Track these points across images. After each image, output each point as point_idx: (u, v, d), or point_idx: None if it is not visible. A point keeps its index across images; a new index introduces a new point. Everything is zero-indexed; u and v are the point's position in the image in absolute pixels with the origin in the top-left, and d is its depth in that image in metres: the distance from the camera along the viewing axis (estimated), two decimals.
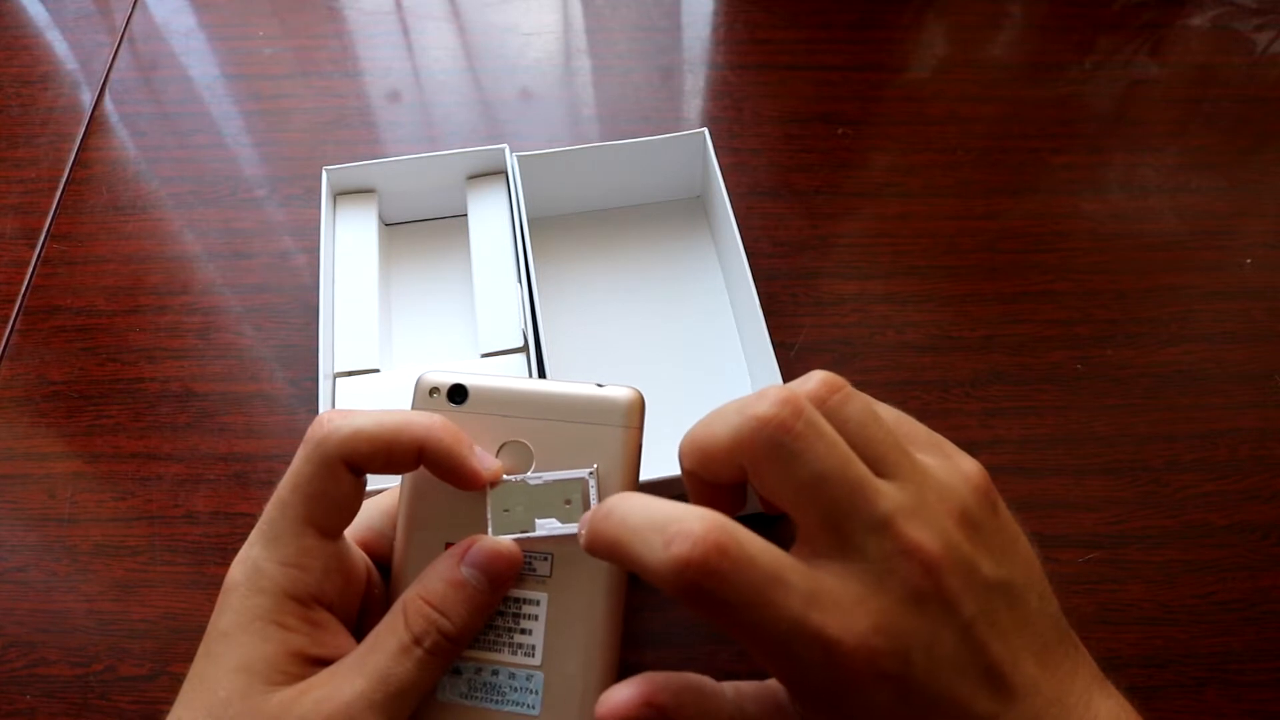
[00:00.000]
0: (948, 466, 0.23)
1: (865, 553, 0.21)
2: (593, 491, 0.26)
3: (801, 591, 0.20)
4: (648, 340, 0.48)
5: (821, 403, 0.22)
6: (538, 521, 0.26)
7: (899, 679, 0.20)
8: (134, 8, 0.66)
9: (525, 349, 0.44)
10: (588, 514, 0.23)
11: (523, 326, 0.44)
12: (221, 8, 0.66)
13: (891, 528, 0.21)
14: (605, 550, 0.22)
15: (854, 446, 0.22)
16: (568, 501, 0.26)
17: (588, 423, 0.26)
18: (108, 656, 0.39)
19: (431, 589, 0.25)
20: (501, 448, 0.27)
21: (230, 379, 0.48)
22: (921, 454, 0.23)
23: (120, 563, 0.42)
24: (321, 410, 0.41)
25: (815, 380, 0.23)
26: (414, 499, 0.27)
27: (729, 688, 0.24)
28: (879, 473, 0.22)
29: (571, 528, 0.26)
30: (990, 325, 0.49)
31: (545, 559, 0.26)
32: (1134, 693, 0.23)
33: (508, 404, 0.27)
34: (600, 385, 0.26)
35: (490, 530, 0.26)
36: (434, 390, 0.27)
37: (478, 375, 0.28)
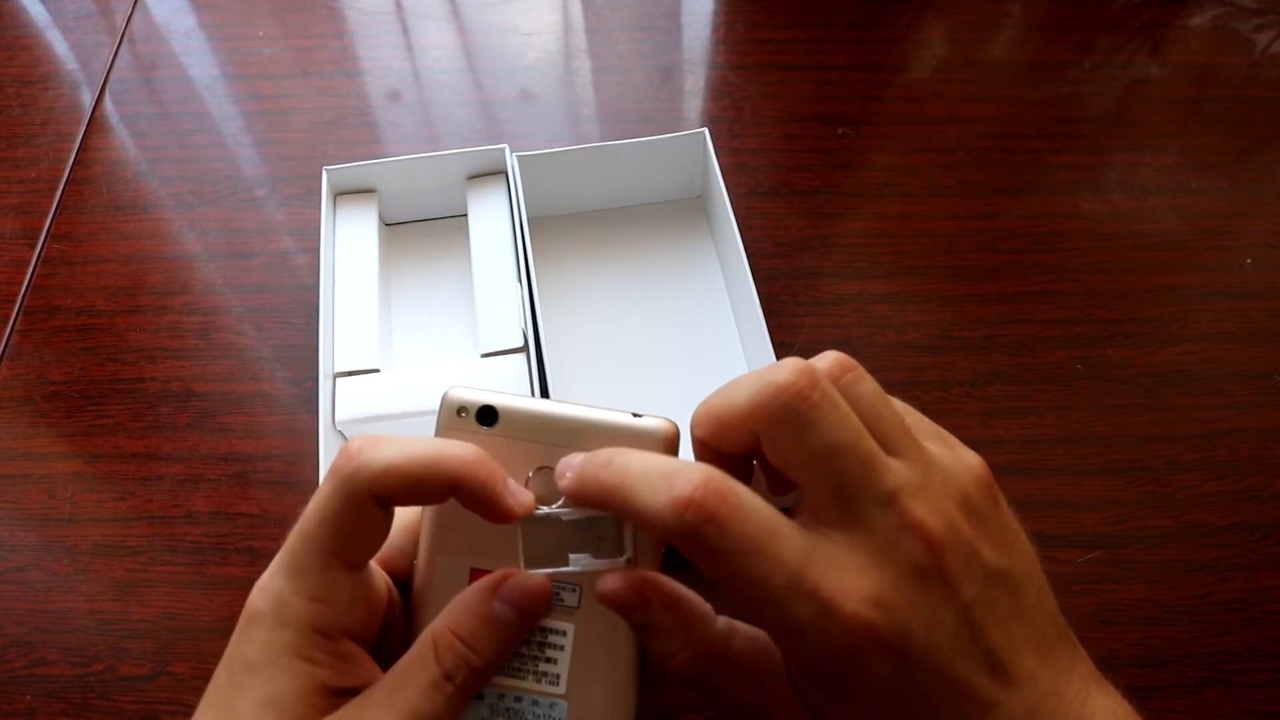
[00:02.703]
0: (952, 456, 0.24)
1: (871, 526, 0.21)
2: (627, 528, 0.25)
3: (799, 546, 0.21)
4: (648, 340, 0.48)
5: (835, 380, 0.23)
6: (571, 556, 0.25)
7: (898, 653, 0.20)
8: (134, 8, 0.66)
9: (525, 349, 0.44)
10: (574, 460, 0.23)
11: (523, 326, 0.44)
12: (221, 8, 0.66)
13: (897, 503, 0.21)
14: (599, 496, 0.22)
15: (864, 424, 0.22)
16: (601, 537, 0.25)
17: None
18: (108, 656, 0.39)
19: (462, 623, 0.24)
20: (532, 475, 0.26)
21: (230, 379, 0.48)
22: (927, 442, 0.24)
23: (120, 563, 0.42)
24: (322, 410, 0.41)
25: (830, 358, 0.23)
26: (438, 523, 0.27)
27: (721, 620, 0.25)
28: (887, 451, 0.22)
29: (605, 563, 0.25)
30: (990, 325, 0.49)
31: (574, 590, 0.26)
32: (1133, 692, 0.23)
33: (539, 429, 0.26)
34: (637, 415, 0.25)
35: (522, 564, 0.25)
36: (462, 410, 0.26)
37: (505, 395, 0.26)
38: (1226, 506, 0.43)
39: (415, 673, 0.24)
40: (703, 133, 0.49)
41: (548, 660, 0.26)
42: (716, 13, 0.65)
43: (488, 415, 0.26)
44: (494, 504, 0.24)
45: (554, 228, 0.52)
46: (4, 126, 0.59)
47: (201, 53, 0.63)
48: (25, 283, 0.51)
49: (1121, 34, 0.63)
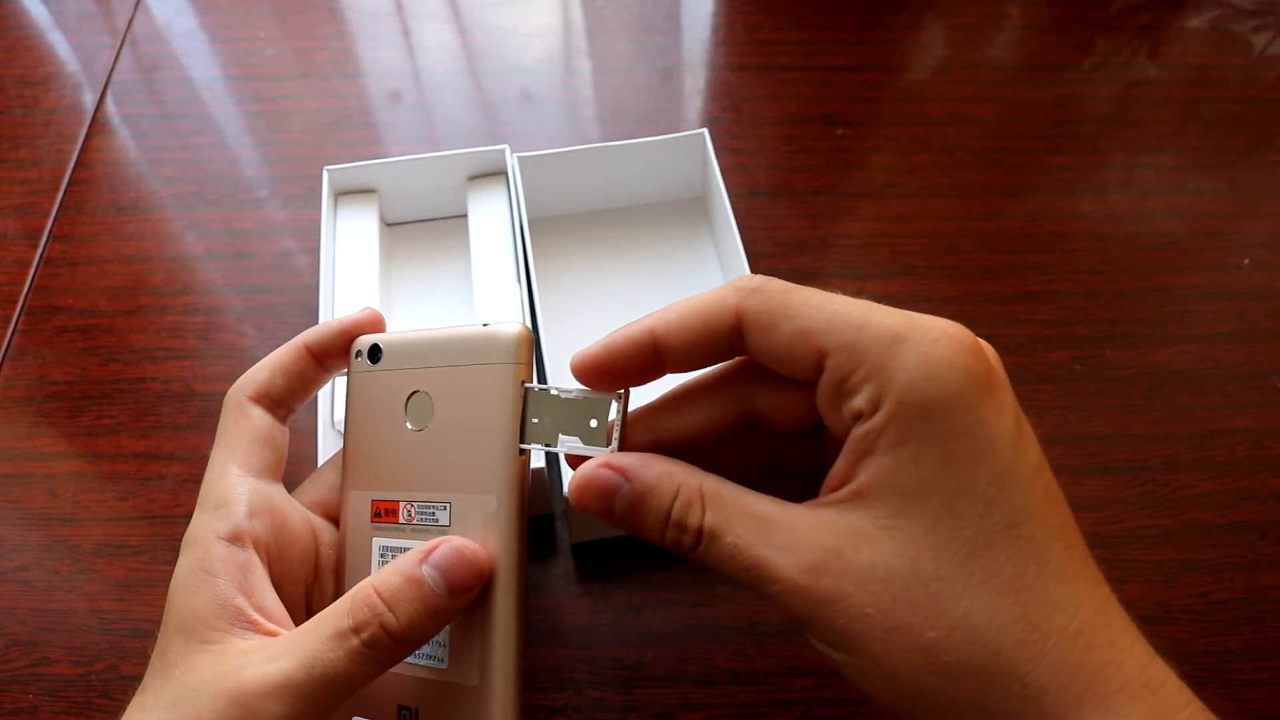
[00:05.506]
0: None
1: None
2: (614, 413, 0.25)
3: None
4: None
5: None
6: (561, 437, 0.25)
7: None
8: (136, 9, 0.66)
9: None
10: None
11: None
12: (223, 9, 0.66)
13: None
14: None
15: None
16: (593, 421, 0.25)
17: (479, 363, 0.27)
18: (110, 655, 0.39)
19: (386, 580, 0.24)
20: (409, 400, 0.28)
21: (232, 379, 0.47)
22: None
23: (122, 562, 0.42)
24: (321, 411, 0.41)
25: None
26: (349, 461, 0.29)
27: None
28: None
29: (593, 450, 0.25)
30: (989, 325, 0.49)
31: (445, 508, 0.26)
32: None
33: (412, 356, 0.28)
34: (486, 324, 0.27)
35: (524, 437, 0.26)
36: (358, 352, 0.29)
37: (397, 333, 0.29)
38: (1224, 506, 0.43)
39: (326, 620, 0.23)
40: (702, 134, 0.49)
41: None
42: (716, 14, 0.65)
43: (375, 353, 0.29)
44: (334, 338, 0.29)
45: (554, 228, 0.52)
46: (6, 127, 0.59)
47: (203, 54, 0.63)
48: (27, 283, 0.52)
49: (1120, 35, 0.63)
